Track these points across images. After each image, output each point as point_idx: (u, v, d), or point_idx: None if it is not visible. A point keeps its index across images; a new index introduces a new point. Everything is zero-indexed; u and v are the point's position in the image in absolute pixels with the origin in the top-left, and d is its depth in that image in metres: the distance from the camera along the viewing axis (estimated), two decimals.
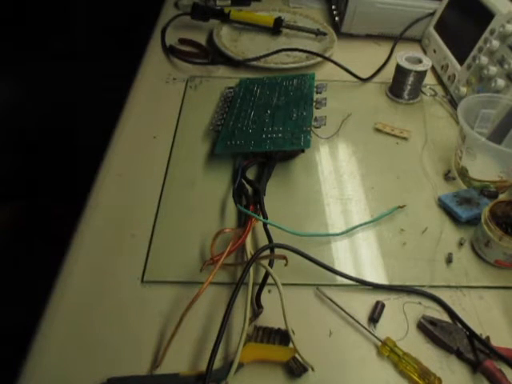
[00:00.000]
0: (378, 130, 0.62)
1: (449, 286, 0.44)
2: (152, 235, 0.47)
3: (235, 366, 0.35)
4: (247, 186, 0.52)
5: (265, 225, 0.46)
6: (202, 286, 0.38)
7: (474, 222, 0.48)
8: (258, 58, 0.73)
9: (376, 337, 0.39)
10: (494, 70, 0.59)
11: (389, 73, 0.70)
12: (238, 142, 0.55)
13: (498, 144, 0.50)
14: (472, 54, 0.64)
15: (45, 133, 1.02)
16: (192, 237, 0.47)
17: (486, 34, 0.62)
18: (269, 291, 0.42)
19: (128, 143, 0.58)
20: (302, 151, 0.57)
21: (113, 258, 0.45)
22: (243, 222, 0.48)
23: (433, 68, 0.73)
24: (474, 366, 0.38)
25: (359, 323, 0.40)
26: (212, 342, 0.35)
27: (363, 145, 0.60)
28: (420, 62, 0.66)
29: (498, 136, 0.53)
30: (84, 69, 1.21)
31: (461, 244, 0.47)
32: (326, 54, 0.74)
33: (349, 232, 0.48)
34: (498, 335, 0.40)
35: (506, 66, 0.57)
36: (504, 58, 0.58)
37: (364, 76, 0.71)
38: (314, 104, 0.60)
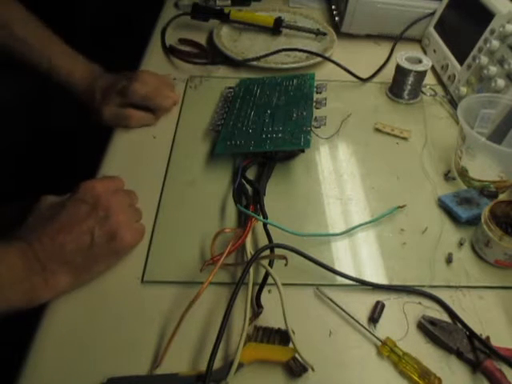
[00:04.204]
0: (377, 130, 0.62)
1: (449, 286, 0.44)
2: (152, 235, 0.47)
3: (235, 366, 0.35)
4: (247, 186, 0.52)
5: (265, 225, 0.46)
6: (202, 285, 0.38)
7: (474, 221, 0.48)
8: (257, 58, 0.73)
9: (376, 337, 0.39)
10: (493, 70, 0.59)
11: (389, 73, 0.69)
12: (238, 142, 0.55)
13: (498, 144, 0.50)
14: (472, 54, 0.64)
15: (44, 132, 1.02)
16: (192, 237, 0.47)
17: (486, 34, 0.62)
18: (269, 291, 0.42)
19: (128, 143, 0.58)
20: (302, 151, 0.57)
21: None
22: (243, 222, 0.48)
23: (433, 68, 0.73)
24: (474, 366, 0.38)
25: (359, 323, 0.40)
26: (212, 342, 0.35)
27: (363, 145, 0.60)
28: (420, 62, 0.66)
29: (498, 136, 0.53)
30: None
31: (461, 244, 0.47)
32: (326, 54, 0.74)
33: (349, 232, 0.48)
34: (498, 335, 0.40)
35: (506, 66, 0.57)
36: (504, 57, 0.58)
37: (364, 76, 0.71)
38: (314, 104, 0.60)
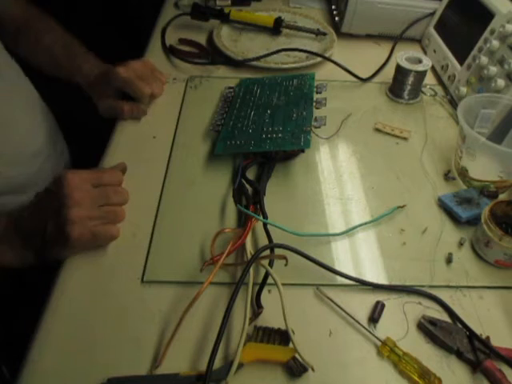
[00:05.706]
0: (378, 130, 0.62)
1: (449, 286, 0.44)
2: (152, 235, 0.47)
3: (235, 366, 0.35)
4: (247, 186, 0.52)
5: (265, 225, 0.46)
6: (202, 285, 0.38)
7: (474, 222, 0.48)
8: (257, 58, 0.73)
9: (376, 337, 0.39)
10: (493, 70, 0.59)
11: (389, 73, 0.70)
12: (238, 142, 0.55)
13: (498, 144, 0.50)
14: (472, 53, 0.64)
15: None
16: (192, 237, 0.47)
17: (486, 34, 0.62)
18: (269, 291, 0.42)
19: (128, 143, 0.58)
20: (302, 151, 0.57)
21: (113, 258, 0.45)
22: (243, 222, 0.48)
23: (433, 68, 0.73)
24: (474, 366, 0.38)
25: (359, 323, 0.40)
26: (212, 342, 0.35)
27: (363, 145, 0.60)
28: (420, 62, 0.66)
29: (498, 136, 0.53)
30: None
31: (461, 244, 0.47)
32: (326, 54, 0.74)
33: (349, 232, 0.48)
34: (498, 335, 0.40)
35: (505, 66, 0.57)
36: (504, 58, 0.58)
37: (364, 76, 0.71)
38: (314, 104, 0.60)
